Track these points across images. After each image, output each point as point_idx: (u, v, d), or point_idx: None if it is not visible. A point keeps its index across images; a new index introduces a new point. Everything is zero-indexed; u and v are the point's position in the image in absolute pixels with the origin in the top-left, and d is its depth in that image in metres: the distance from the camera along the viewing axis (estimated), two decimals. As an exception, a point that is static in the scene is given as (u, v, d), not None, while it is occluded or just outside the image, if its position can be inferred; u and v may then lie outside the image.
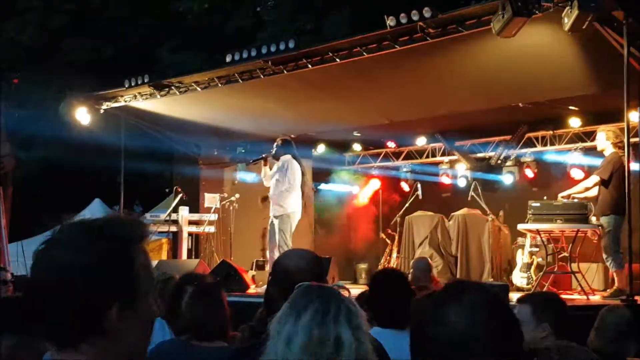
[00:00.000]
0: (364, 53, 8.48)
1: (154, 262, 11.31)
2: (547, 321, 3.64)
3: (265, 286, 3.34)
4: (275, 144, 9.75)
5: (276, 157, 9.71)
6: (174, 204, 11.81)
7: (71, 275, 1.47)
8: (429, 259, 9.06)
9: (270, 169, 9.79)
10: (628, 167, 7.24)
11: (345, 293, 2.21)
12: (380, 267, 11.12)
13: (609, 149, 8.53)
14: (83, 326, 1.49)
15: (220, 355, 3.64)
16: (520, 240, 10.32)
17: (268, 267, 10.00)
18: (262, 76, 9.57)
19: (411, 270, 8.12)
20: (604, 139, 8.59)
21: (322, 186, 13.77)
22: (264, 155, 9.84)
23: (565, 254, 8.72)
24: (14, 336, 2.44)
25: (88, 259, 1.48)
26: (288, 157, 9.60)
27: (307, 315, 2.06)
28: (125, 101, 11.18)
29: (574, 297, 8.45)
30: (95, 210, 15.87)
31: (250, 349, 3.61)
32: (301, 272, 2.85)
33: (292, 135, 12.12)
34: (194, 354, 3.62)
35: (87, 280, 1.48)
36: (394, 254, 11.84)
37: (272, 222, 9.65)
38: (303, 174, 9.64)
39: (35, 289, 1.51)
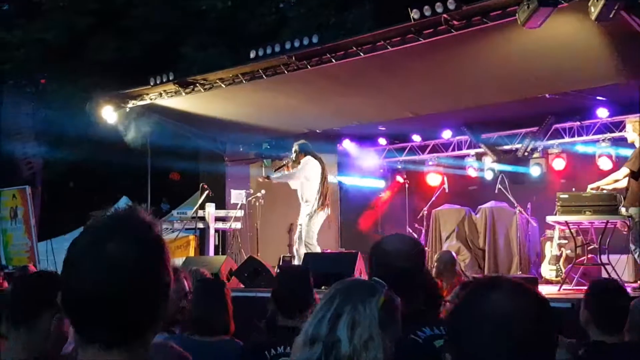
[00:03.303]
0: (388, 47, 8.43)
1: (182, 259, 11.40)
2: None
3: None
4: (293, 149, 10.04)
5: (296, 162, 9.99)
6: (200, 201, 11.86)
7: (142, 269, 1.42)
8: (455, 253, 9.01)
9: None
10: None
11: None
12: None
13: (638, 140, 8.41)
14: (146, 322, 1.45)
15: (226, 348, 3.79)
16: (548, 232, 10.24)
17: (295, 263, 10.05)
18: (286, 72, 9.57)
19: (435, 263, 8.06)
20: (632, 130, 8.48)
21: (348, 181, 13.75)
22: (284, 163, 10.29)
23: (595, 245, 8.63)
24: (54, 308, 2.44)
25: (151, 251, 1.45)
26: (307, 157, 9.89)
27: (314, 313, 2.02)
28: (151, 99, 11.24)
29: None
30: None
31: (263, 344, 3.67)
32: (400, 257, 2.80)
33: (317, 130, 12.14)
34: (199, 349, 3.66)
35: (156, 273, 1.45)
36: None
37: (300, 221, 9.95)
38: (323, 170, 9.92)
39: (100, 288, 1.40)
